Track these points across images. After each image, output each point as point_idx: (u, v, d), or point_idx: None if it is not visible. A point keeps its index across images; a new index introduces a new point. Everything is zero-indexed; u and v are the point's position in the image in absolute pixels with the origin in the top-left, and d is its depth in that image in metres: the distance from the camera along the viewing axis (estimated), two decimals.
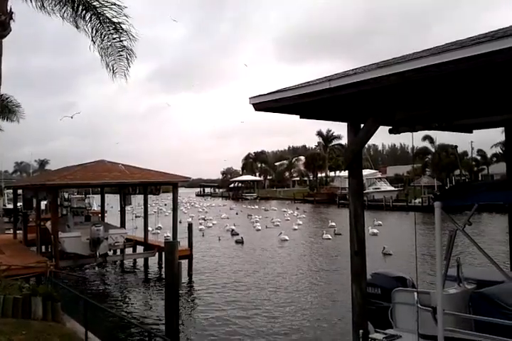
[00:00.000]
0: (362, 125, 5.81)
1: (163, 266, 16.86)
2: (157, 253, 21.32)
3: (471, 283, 6.34)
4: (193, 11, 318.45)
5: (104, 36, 13.11)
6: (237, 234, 33.18)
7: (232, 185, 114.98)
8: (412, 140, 7.11)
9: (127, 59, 13.45)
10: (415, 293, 5.68)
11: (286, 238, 30.81)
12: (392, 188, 69.03)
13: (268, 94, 5.79)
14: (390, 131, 6.16)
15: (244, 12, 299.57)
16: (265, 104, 5.89)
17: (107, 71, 13.54)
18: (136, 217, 33.98)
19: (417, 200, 57.43)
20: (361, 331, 5.70)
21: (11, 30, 11.61)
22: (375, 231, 31.25)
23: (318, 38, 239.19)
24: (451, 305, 5.57)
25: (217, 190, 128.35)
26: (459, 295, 5.95)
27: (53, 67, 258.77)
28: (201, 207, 69.52)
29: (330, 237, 30.55)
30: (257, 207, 69.53)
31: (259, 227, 38.33)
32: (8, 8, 11.56)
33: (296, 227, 37.80)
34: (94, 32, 13.03)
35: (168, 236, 26.70)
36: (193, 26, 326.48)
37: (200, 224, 40.54)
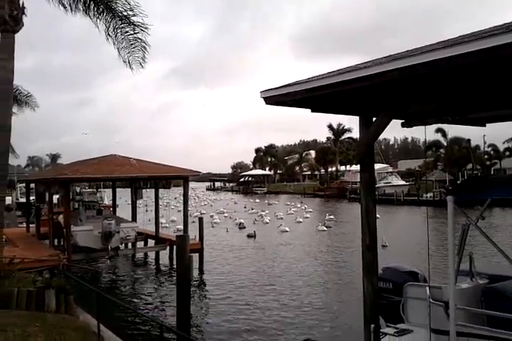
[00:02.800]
0: (374, 118, 5.76)
1: (174, 259, 16.96)
2: (168, 247, 21.48)
3: (483, 277, 6.30)
4: (213, 10, 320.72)
5: (117, 29, 13.22)
6: (244, 228, 34.76)
7: (242, 179, 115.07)
8: (424, 134, 7.05)
9: (142, 50, 13.57)
10: (427, 288, 5.65)
11: (287, 229, 32.62)
12: (404, 182, 68.63)
13: (279, 87, 5.75)
14: (403, 125, 6.09)
15: (262, 10, 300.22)
16: (276, 98, 5.84)
17: (121, 62, 13.74)
18: (146, 211, 34.42)
19: (428, 195, 57.10)
20: (372, 325, 5.68)
21: (23, 25, 11.70)
22: None
23: (334, 36, 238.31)
24: (464, 299, 5.53)
25: (227, 184, 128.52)
26: (471, 289, 5.92)
27: (71, 64, 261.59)
28: (205, 201, 70.73)
29: (325, 229, 32.69)
30: (258, 200, 70.63)
31: (268, 220, 39.39)
32: (21, 3, 11.64)
33: (300, 220, 39.29)
34: (108, 26, 13.18)
35: (176, 230, 27.12)
36: (212, 25, 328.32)
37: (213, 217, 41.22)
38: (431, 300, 5.47)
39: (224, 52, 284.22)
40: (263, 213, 44.18)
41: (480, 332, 5.16)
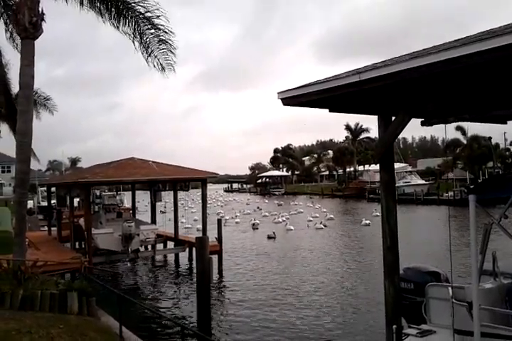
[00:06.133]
0: (393, 118, 5.72)
1: (194, 261, 17.03)
2: (187, 249, 21.58)
3: (507, 277, 6.20)
4: (243, 16, 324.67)
5: (143, 33, 13.29)
6: (258, 229, 36.21)
7: (259, 181, 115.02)
8: (445, 132, 6.98)
9: (171, 52, 13.61)
10: (449, 288, 5.59)
11: (291, 228, 34.95)
12: (423, 182, 67.84)
13: (296, 88, 5.73)
14: (422, 124, 6.03)
15: (288, 17, 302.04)
16: (293, 99, 5.82)
17: (152, 67, 13.76)
18: (161, 212, 35.06)
19: (448, 194, 56.34)
20: (395, 326, 5.64)
21: (42, 32, 11.87)
22: (368, 222, 34.68)
23: (357, 42, 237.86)
24: (487, 299, 5.46)
25: (245, 185, 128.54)
26: (495, 289, 5.84)
27: (99, 71, 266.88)
28: (218, 201, 71.76)
29: (322, 227, 35.12)
30: (267, 201, 71.69)
31: (281, 220, 40.14)
32: (40, 10, 11.82)
33: (311, 219, 39.97)
34: (134, 30, 13.29)
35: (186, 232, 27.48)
36: (240, 30, 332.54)
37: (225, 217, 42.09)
38: (454, 301, 5.40)
39: (248, 56, 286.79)
40: (266, 213, 45.93)
41: (504, 333, 5.08)
